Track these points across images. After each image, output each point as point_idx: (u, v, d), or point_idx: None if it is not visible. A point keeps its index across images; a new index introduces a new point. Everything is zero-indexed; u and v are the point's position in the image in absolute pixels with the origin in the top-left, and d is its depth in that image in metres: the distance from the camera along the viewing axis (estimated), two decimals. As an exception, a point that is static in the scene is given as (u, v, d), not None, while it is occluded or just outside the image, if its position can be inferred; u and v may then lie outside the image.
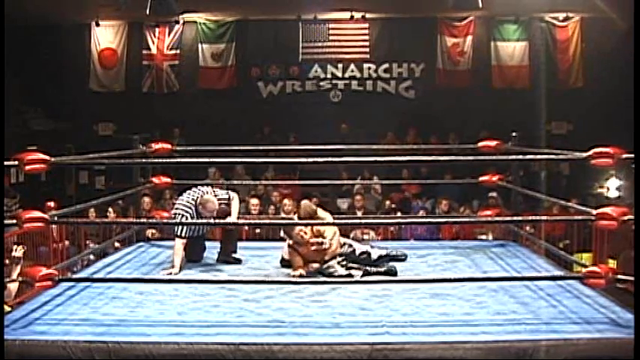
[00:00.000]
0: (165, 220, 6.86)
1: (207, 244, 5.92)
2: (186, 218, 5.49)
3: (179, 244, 5.43)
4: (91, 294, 4.64)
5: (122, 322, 4.08)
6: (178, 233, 5.44)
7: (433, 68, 13.49)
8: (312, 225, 5.20)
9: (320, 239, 5.19)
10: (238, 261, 5.76)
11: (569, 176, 12.52)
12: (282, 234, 5.74)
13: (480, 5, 11.16)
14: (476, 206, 10.10)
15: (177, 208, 5.60)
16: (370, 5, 12.69)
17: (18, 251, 5.39)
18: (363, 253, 5.38)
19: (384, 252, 5.45)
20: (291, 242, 5.26)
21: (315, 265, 5.27)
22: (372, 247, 5.51)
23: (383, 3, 12.41)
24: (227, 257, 5.78)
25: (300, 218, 5.38)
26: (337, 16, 13.27)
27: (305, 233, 5.19)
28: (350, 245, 5.45)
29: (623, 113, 8.53)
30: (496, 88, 13.38)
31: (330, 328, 3.97)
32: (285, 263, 5.48)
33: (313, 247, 5.19)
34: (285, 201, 9.48)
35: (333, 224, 5.40)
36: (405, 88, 13.62)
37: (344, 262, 5.31)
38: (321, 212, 5.44)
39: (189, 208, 5.53)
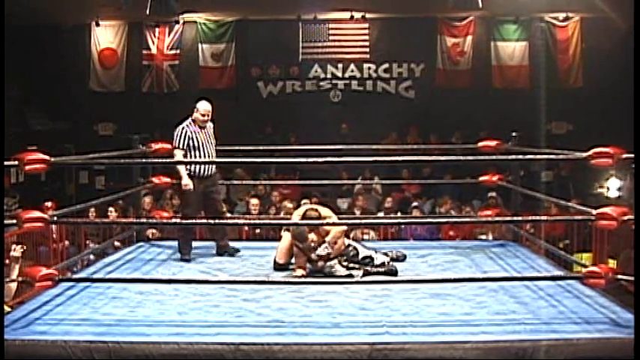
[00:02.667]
0: (165, 220, 6.88)
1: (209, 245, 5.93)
2: (183, 128, 5.97)
3: (179, 155, 5.88)
4: (91, 294, 4.64)
5: (122, 322, 4.08)
6: (175, 144, 5.93)
7: (433, 68, 13.49)
8: (315, 225, 5.19)
9: (325, 252, 5.20)
10: (236, 251, 5.85)
11: (570, 177, 12.51)
12: (282, 233, 5.74)
13: (480, 5, 11.15)
14: (476, 206, 10.10)
15: (175, 133, 6.00)
16: (370, 5, 12.68)
17: (16, 251, 5.39)
18: (366, 257, 5.38)
19: (387, 259, 5.44)
20: (301, 245, 5.25)
21: (320, 263, 5.27)
22: (375, 251, 5.50)
23: (383, 3, 12.41)
24: (225, 250, 5.88)
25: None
26: (337, 16, 13.27)
27: (315, 242, 5.18)
28: (354, 248, 5.45)
29: (623, 113, 8.53)
30: (496, 88, 13.37)
31: (330, 328, 3.97)
32: (278, 267, 5.47)
33: (316, 253, 5.19)
34: (286, 203, 9.47)
35: (334, 224, 5.39)
36: (405, 88, 13.62)
37: (345, 262, 5.32)
38: (324, 212, 5.42)
39: (185, 123, 6.02)
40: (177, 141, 5.94)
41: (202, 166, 5.95)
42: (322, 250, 5.20)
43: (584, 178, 12.03)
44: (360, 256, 5.37)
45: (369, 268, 5.28)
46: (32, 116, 13.63)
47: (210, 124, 6.09)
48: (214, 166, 6.09)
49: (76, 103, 13.35)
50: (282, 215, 8.78)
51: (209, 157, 6.00)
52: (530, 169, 10.93)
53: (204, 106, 6.02)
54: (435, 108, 12.93)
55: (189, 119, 6.05)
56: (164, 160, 6.20)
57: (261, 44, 13.37)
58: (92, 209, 8.58)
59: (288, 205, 9.31)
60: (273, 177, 11.80)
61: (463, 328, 3.95)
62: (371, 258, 5.37)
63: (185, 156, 5.90)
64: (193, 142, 5.91)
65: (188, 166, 5.88)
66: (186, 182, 5.83)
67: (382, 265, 5.33)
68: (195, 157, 5.94)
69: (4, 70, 10.39)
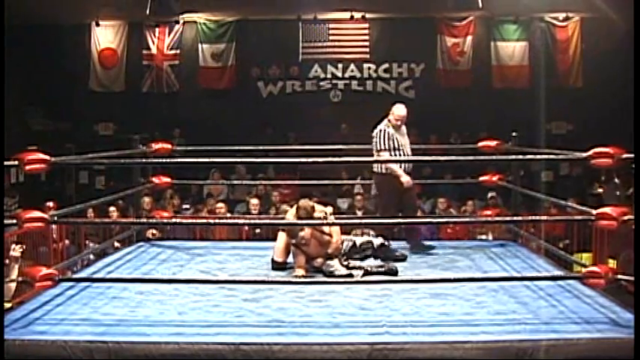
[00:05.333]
0: (165, 220, 6.87)
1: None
2: (383, 130, 6.11)
3: (386, 156, 6.04)
4: (91, 294, 4.64)
5: (122, 322, 4.08)
6: (380, 147, 6.08)
7: (433, 68, 13.50)
8: (312, 225, 5.20)
9: (323, 235, 5.21)
10: (431, 248, 6.09)
11: (573, 177, 12.51)
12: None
13: (480, 5, 11.16)
14: (476, 206, 10.09)
15: (375, 135, 6.19)
16: (370, 5, 12.69)
17: (16, 251, 5.39)
18: (364, 242, 5.43)
19: (386, 242, 5.49)
20: (294, 241, 5.25)
21: (319, 260, 5.27)
22: (369, 234, 5.56)
23: (383, 3, 12.42)
24: (418, 247, 6.08)
25: (299, 218, 5.37)
26: (337, 16, 13.28)
27: (306, 233, 5.19)
28: (351, 240, 5.50)
29: (623, 113, 8.53)
30: (496, 88, 13.38)
31: (330, 328, 3.97)
32: (276, 266, 5.47)
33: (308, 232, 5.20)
34: (284, 206, 9.47)
35: (333, 224, 5.39)
36: (405, 88, 13.62)
37: (345, 262, 5.32)
38: (319, 207, 5.42)
39: (383, 125, 6.14)
40: (382, 143, 6.10)
41: (407, 164, 6.17)
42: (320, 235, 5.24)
43: (584, 178, 12.03)
44: (359, 244, 5.41)
45: (369, 268, 5.29)
46: (32, 116, 13.64)
47: (403, 126, 6.28)
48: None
49: (76, 103, 13.36)
50: (281, 215, 8.79)
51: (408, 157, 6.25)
52: (530, 169, 10.94)
53: (399, 112, 6.19)
54: (435, 108, 12.92)
55: (386, 120, 6.21)
56: (164, 160, 6.19)
57: (261, 44, 13.38)
58: (92, 209, 8.59)
59: (287, 208, 9.30)
60: (273, 177, 11.80)
61: (463, 328, 3.95)
62: (370, 242, 5.43)
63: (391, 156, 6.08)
64: (394, 142, 6.09)
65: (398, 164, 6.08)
66: (407, 179, 6.01)
67: (382, 246, 5.37)
68: (398, 156, 6.13)
69: (5, 70, 10.40)
